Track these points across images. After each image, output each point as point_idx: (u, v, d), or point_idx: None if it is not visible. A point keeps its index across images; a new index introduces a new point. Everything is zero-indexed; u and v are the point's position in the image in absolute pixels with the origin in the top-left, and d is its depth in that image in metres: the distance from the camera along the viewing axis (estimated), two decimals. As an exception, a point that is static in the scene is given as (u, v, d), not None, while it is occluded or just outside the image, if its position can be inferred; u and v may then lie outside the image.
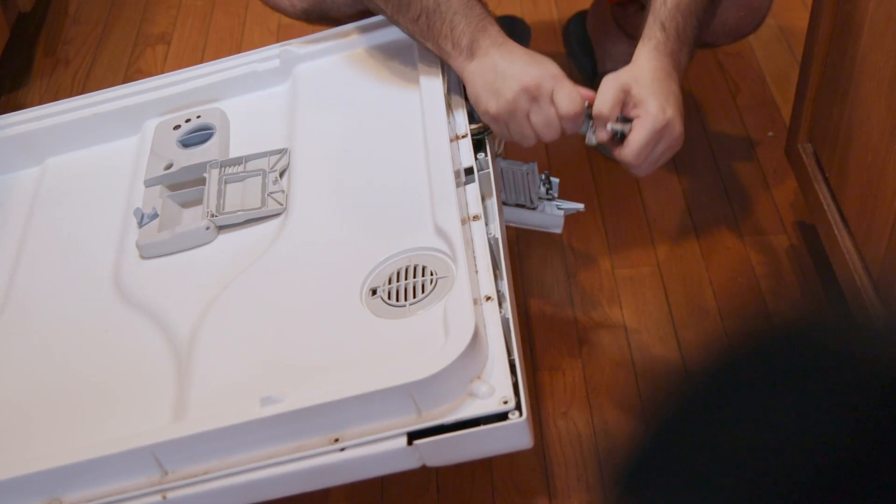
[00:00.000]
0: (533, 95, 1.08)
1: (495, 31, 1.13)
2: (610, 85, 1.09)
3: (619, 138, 1.09)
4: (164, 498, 0.88)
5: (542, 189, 1.18)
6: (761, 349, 0.43)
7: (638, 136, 1.08)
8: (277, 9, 1.43)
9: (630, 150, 1.08)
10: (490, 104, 1.10)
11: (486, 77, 1.10)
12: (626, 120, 1.09)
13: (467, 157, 1.10)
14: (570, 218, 1.25)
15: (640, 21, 1.51)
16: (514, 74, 1.08)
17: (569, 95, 1.08)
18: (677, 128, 1.09)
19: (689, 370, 0.45)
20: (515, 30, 1.84)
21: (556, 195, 1.20)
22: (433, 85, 1.17)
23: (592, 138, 1.11)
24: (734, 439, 0.40)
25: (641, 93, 1.09)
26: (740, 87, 1.81)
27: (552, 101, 1.08)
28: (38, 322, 1.10)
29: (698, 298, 1.46)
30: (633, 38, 1.66)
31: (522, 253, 1.53)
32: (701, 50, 1.73)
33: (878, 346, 0.42)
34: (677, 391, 0.44)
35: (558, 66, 1.11)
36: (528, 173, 1.17)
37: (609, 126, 1.09)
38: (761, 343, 0.43)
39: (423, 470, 1.25)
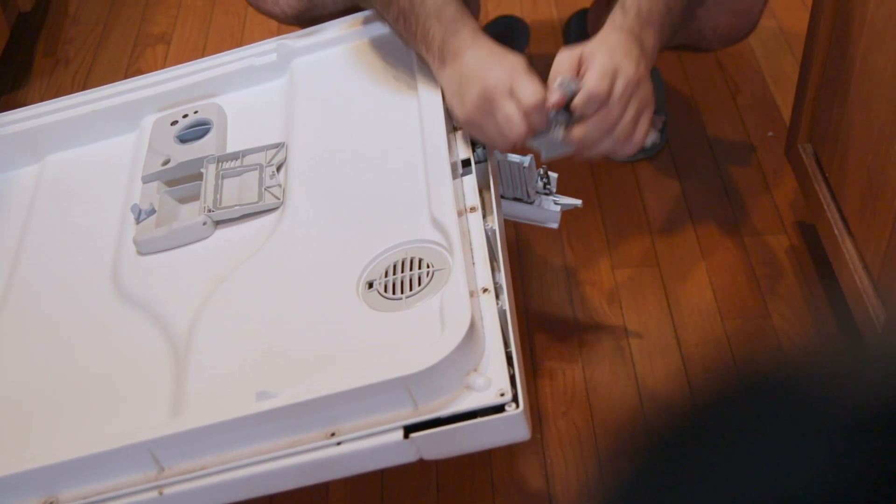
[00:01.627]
0: (490, 96, 1.06)
1: (466, 32, 1.11)
2: (564, 53, 1.07)
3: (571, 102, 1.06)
4: (161, 494, 0.88)
5: (540, 183, 1.18)
6: (747, 392, 0.42)
7: (592, 71, 1.04)
8: (270, 15, 1.43)
9: (589, 82, 1.04)
10: (458, 111, 1.10)
11: (453, 85, 1.11)
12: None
13: (464, 148, 1.10)
14: (570, 217, 1.25)
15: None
16: (474, 78, 1.08)
17: (528, 87, 1.06)
18: (630, 69, 1.05)
19: (681, 408, 0.44)
20: (515, 30, 1.84)
21: (553, 190, 1.20)
22: (431, 77, 1.17)
23: (557, 133, 1.08)
24: (724, 483, 0.40)
25: (592, 51, 1.06)
26: (740, 87, 1.81)
27: (513, 96, 1.06)
28: (36, 319, 1.10)
29: (698, 298, 1.46)
30: None
31: (522, 252, 1.53)
32: (697, 54, 1.73)
33: (872, 376, 0.41)
34: (666, 430, 0.44)
35: (523, 62, 1.09)
36: (525, 167, 1.17)
37: (559, 80, 1.05)
38: (747, 386, 0.43)
39: (423, 469, 1.26)
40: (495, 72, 1.07)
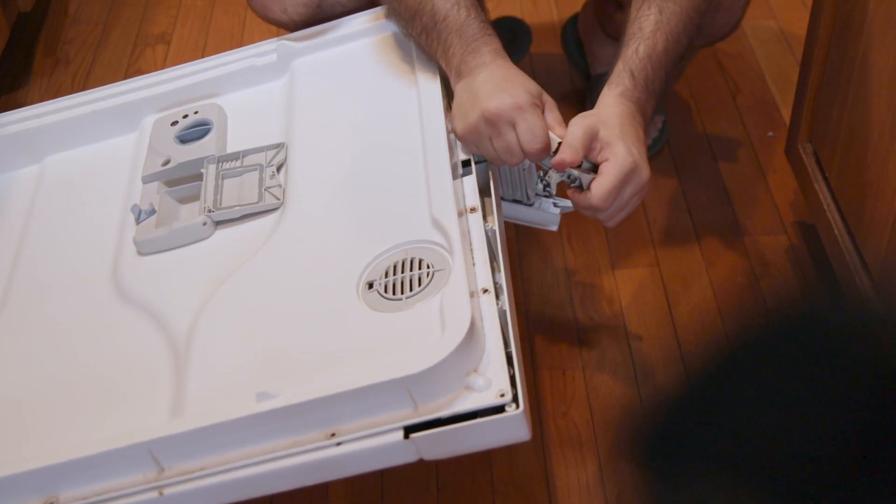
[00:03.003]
0: (493, 123, 1.06)
1: (487, 52, 1.11)
2: (577, 127, 1.06)
3: (578, 186, 1.07)
4: (161, 494, 0.88)
5: (539, 185, 1.18)
6: (772, 332, 0.43)
7: (606, 180, 1.04)
8: (278, 24, 1.42)
9: (598, 194, 1.05)
10: (458, 124, 1.10)
11: (462, 97, 1.10)
12: (589, 169, 1.07)
13: (465, 149, 1.10)
14: (570, 217, 1.24)
15: (619, 22, 1.51)
16: (482, 99, 1.07)
17: (531, 130, 1.06)
18: (644, 171, 1.06)
19: (705, 351, 0.45)
20: (517, 32, 1.84)
21: (553, 192, 1.20)
22: (430, 78, 1.17)
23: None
24: (749, 418, 0.41)
25: (609, 135, 1.06)
26: (740, 87, 1.81)
27: (514, 129, 1.06)
28: (36, 319, 1.10)
29: (698, 298, 1.46)
30: (614, 39, 1.67)
31: (522, 253, 1.53)
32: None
33: (885, 327, 0.42)
34: (693, 373, 0.45)
35: (533, 94, 1.08)
36: (525, 169, 1.17)
37: (568, 172, 1.06)
38: (772, 326, 0.44)
39: (423, 469, 1.25)
40: (501, 98, 1.06)
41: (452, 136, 1.11)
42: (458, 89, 1.12)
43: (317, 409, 0.86)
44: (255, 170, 1.15)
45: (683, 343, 1.40)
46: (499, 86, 1.08)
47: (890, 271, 1.15)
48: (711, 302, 1.45)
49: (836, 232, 1.29)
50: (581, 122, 1.07)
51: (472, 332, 0.87)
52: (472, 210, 1.02)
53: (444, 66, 1.15)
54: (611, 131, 1.06)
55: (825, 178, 1.35)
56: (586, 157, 1.07)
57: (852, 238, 1.26)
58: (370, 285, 1.00)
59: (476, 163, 1.09)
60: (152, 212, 1.14)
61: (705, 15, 1.18)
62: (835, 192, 1.32)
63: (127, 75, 1.95)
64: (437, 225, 1.00)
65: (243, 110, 1.27)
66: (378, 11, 1.28)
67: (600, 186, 1.05)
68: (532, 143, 1.06)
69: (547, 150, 1.07)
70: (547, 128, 1.07)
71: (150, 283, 1.09)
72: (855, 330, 0.42)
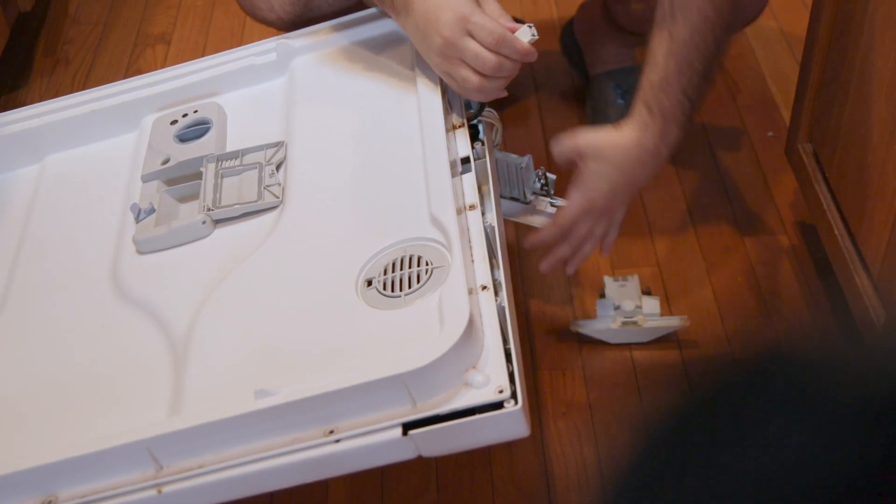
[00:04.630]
0: (451, 44, 1.08)
1: None
2: (571, 140, 1.15)
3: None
4: (160, 492, 0.87)
5: (537, 184, 1.18)
6: (753, 376, 0.43)
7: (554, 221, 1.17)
8: (266, 22, 1.42)
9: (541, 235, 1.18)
10: (429, 62, 1.12)
11: (416, 37, 1.12)
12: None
13: (464, 146, 1.10)
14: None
15: (638, 12, 1.51)
16: (429, 29, 1.09)
17: (485, 28, 1.07)
18: (594, 215, 1.16)
19: (683, 395, 0.44)
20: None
21: (551, 191, 1.20)
22: (429, 76, 1.17)
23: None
24: (726, 469, 0.40)
25: (587, 171, 1.15)
26: (740, 87, 1.81)
27: (473, 37, 1.08)
28: (35, 318, 1.10)
29: (698, 298, 1.46)
30: (627, 33, 1.66)
31: (522, 253, 1.53)
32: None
33: (871, 367, 0.41)
34: (669, 417, 0.44)
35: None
36: (523, 167, 1.17)
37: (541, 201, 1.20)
38: (753, 370, 0.43)
39: (423, 469, 1.26)
40: (445, 18, 1.08)
41: (451, 133, 1.11)
42: (409, 29, 1.13)
43: (315, 406, 0.86)
44: (255, 168, 1.15)
45: (683, 343, 1.40)
46: (434, 8, 1.09)
47: (890, 271, 1.15)
48: (711, 302, 1.45)
49: (836, 232, 1.29)
50: (579, 140, 1.15)
51: (471, 329, 0.87)
52: (471, 207, 1.02)
53: (386, 6, 1.16)
54: (593, 165, 1.14)
55: (825, 178, 1.35)
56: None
57: (852, 238, 1.26)
58: (369, 283, 0.99)
59: (476, 159, 1.09)
60: (152, 210, 1.14)
61: (723, 27, 1.18)
62: (835, 192, 1.32)
63: (127, 75, 1.95)
64: (436, 222, 1.00)
65: (243, 109, 1.26)
66: (376, 10, 1.28)
67: (542, 233, 1.19)
68: (494, 38, 1.07)
69: (512, 37, 1.07)
70: (497, 17, 1.08)
71: (150, 282, 1.09)
72: (836, 372, 0.41)
